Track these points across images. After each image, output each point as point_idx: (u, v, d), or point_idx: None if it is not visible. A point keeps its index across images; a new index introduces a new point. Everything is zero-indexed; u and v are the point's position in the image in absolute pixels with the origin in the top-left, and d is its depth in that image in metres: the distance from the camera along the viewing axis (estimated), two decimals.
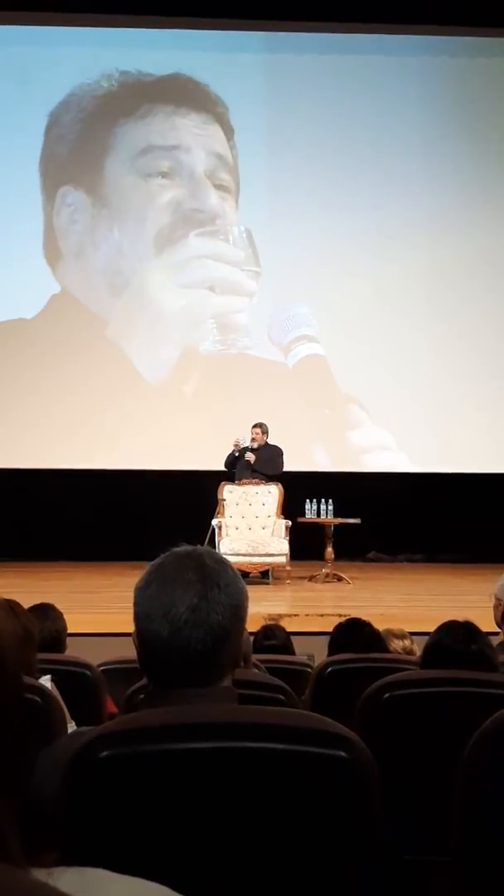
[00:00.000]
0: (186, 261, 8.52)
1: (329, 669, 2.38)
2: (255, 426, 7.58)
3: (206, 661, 1.11)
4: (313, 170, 8.65)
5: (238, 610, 1.14)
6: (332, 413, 8.63)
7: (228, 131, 8.72)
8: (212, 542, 7.13)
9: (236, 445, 7.53)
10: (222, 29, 8.55)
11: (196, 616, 1.10)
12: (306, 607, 5.96)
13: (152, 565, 1.17)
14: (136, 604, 1.14)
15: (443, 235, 8.68)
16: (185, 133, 8.65)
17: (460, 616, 2.09)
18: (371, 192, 8.67)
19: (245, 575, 7.33)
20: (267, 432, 7.61)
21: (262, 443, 7.58)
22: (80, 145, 8.65)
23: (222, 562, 1.17)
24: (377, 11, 8.30)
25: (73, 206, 8.60)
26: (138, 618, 1.13)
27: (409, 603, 6.23)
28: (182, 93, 8.68)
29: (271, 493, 7.45)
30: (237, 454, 7.53)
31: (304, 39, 8.62)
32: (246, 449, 7.52)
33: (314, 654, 3.94)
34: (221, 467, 7.60)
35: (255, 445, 7.54)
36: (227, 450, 7.59)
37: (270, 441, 7.61)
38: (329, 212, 8.65)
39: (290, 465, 7.60)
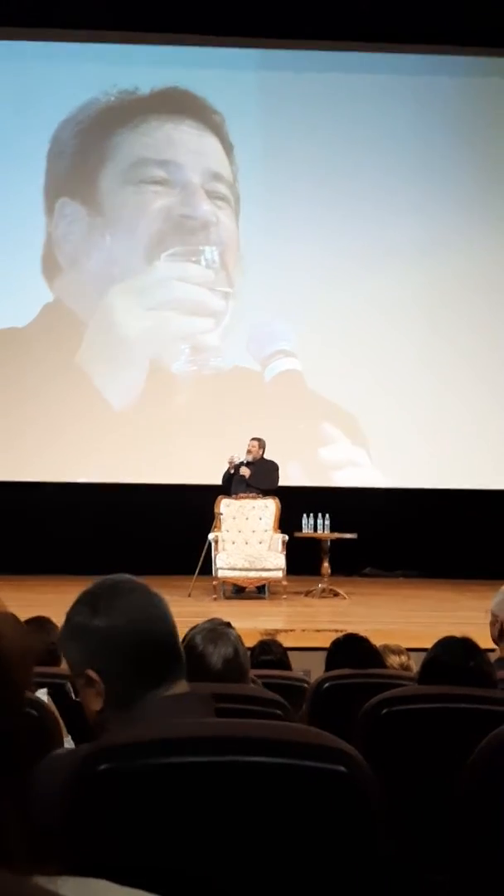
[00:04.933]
0: (151, 284, 8.52)
1: (326, 685, 2.37)
2: (252, 440, 7.58)
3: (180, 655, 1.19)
4: (309, 186, 8.67)
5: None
6: (311, 428, 8.59)
7: (227, 146, 8.76)
8: (208, 557, 7.12)
9: (231, 463, 7.52)
10: (221, 46, 8.62)
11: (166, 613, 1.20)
12: (303, 622, 5.94)
13: (99, 592, 1.23)
14: (111, 618, 1.18)
15: (434, 253, 8.71)
16: (180, 145, 8.69)
17: (457, 632, 2.08)
18: (364, 209, 8.69)
19: (241, 590, 7.33)
20: (264, 446, 7.61)
21: (259, 457, 7.58)
22: (78, 158, 8.69)
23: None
24: (374, 30, 8.37)
25: (69, 216, 8.64)
26: (128, 626, 1.17)
27: (406, 619, 6.22)
28: (179, 105, 8.72)
29: (268, 508, 7.44)
30: (232, 471, 7.52)
31: (301, 57, 8.68)
32: (241, 463, 7.52)
33: (311, 669, 3.93)
34: (218, 481, 7.60)
35: (251, 459, 7.54)
36: (220, 463, 7.59)
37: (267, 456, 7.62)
38: (320, 228, 8.65)
39: (281, 480, 7.62)
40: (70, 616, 1.23)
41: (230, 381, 8.58)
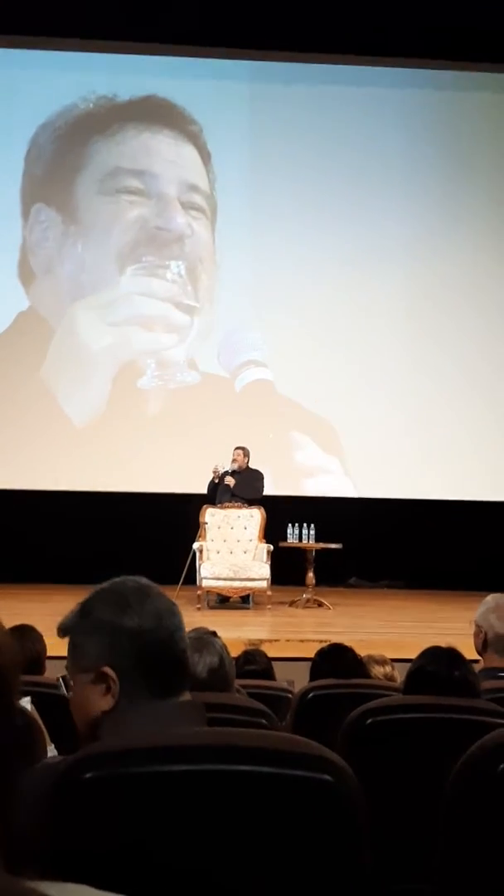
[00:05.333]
0: (115, 299, 8.48)
1: (311, 695, 2.37)
2: (236, 448, 7.58)
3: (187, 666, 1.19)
4: (289, 196, 8.69)
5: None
6: (284, 437, 8.58)
7: (205, 154, 8.74)
8: (192, 566, 7.10)
9: (215, 473, 7.52)
10: (206, 56, 8.64)
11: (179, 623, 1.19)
12: (287, 633, 5.94)
13: (126, 592, 1.20)
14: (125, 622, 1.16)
15: (414, 259, 8.77)
16: (156, 155, 8.66)
17: (442, 642, 2.09)
18: (342, 218, 8.74)
19: (225, 600, 7.31)
20: (248, 455, 7.61)
21: (244, 466, 7.58)
22: (54, 164, 8.66)
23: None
24: (361, 43, 8.43)
25: (45, 223, 8.60)
26: (156, 630, 1.16)
27: (390, 629, 6.22)
28: (157, 114, 8.70)
29: (253, 517, 7.44)
30: (217, 481, 7.52)
31: (288, 69, 8.72)
32: (227, 473, 7.52)
33: (295, 679, 3.92)
34: (203, 490, 7.59)
35: (237, 467, 7.54)
36: (202, 472, 7.58)
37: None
38: (298, 237, 8.67)
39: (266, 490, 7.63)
40: (91, 610, 1.20)
41: (199, 394, 8.53)
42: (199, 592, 7.11)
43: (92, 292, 8.54)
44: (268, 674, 3.58)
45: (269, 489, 7.75)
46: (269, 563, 7.20)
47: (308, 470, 8.63)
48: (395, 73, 8.79)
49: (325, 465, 8.66)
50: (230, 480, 7.49)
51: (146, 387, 8.60)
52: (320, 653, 2.87)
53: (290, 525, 7.47)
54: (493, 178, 8.90)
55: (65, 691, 1.22)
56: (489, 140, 8.93)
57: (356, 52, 8.56)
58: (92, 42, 8.49)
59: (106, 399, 8.52)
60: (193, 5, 8.15)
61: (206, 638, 2.07)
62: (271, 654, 4.07)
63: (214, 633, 2.15)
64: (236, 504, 7.47)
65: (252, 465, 7.63)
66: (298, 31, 8.34)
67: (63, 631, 1.22)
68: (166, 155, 8.68)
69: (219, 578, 7.12)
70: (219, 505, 7.46)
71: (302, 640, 5.42)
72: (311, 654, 2.96)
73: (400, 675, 2.95)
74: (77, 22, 8.21)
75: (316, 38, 8.40)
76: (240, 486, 7.50)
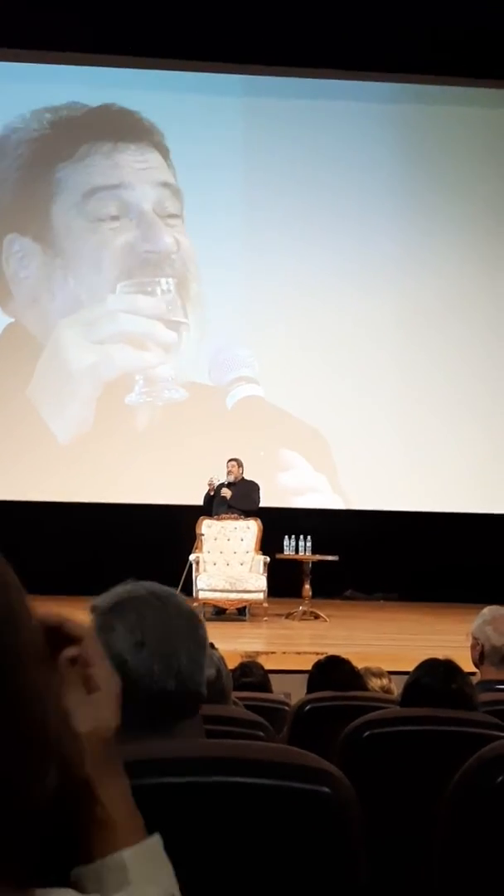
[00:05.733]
0: (99, 318, 8.46)
1: (308, 707, 2.36)
2: (230, 461, 7.58)
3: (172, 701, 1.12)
4: (286, 211, 8.71)
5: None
6: (278, 451, 8.56)
7: (165, 153, 8.68)
8: (189, 578, 7.09)
9: (210, 485, 7.51)
10: (202, 71, 8.67)
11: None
12: (283, 645, 5.92)
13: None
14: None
15: (404, 273, 8.81)
16: (126, 170, 8.61)
17: (438, 655, 2.08)
18: (332, 232, 8.75)
19: (222, 612, 7.30)
20: (243, 466, 7.61)
21: (239, 477, 7.58)
22: (21, 193, 8.56)
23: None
24: (354, 58, 8.48)
25: (20, 252, 8.51)
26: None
27: (386, 642, 6.21)
28: (117, 126, 8.65)
29: (250, 529, 7.43)
30: (212, 493, 7.51)
31: (281, 83, 8.75)
32: (222, 485, 7.52)
33: (291, 692, 3.91)
34: (198, 502, 7.59)
35: (233, 479, 7.54)
36: (197, 483, 7.57)
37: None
38: (287, 252, 8.68)
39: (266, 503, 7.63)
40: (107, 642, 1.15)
41: (187, 410, 8.51)
42: (195, 604, 7.09)
43: (71, 314, 8.49)
44: (264, 686, 3.57)
45: (264, 502, 7.75)
46: (266, 574, 7.19)
47: (299, 485, 8.62)
48: (385, 88, 8.85)
49: (317, 478, 8.65)
50: (226, 492, 7.48)
51: (134, 403, 8.56)
52: (317, 665, 2.87)
53: (286, 537, 7.46)
54: (484, 193, 8.95)
55: None
56: (479, 154, 8.99)
57: (348, 67, 8.62)
58: (64, 55, 8.43)
59: (92, 416, 8.47)
60: (186, 20, 8.19)
61: None
62: (268, 666, 4.06)
63: (211, 645, 2.14)
64: (233, 515, 7.46)
65: (247, 477, 7.63)
66: (291, 46, 8.38)
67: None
68: (136, 169, 8.62)
69: (215, 590, 7.11)
70: (215, 516, 7.45)
71: (298, 653, 5.41)
72: (308, 667, 2.95)
73: (397, 687, 2.95)
74: (58, 34, 8.17)
75: (309, 52, 8.44)
76: (236, 497, 7.50)
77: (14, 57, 8.47)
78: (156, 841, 0.70)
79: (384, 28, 8.22)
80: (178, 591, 1.23)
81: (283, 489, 8.53)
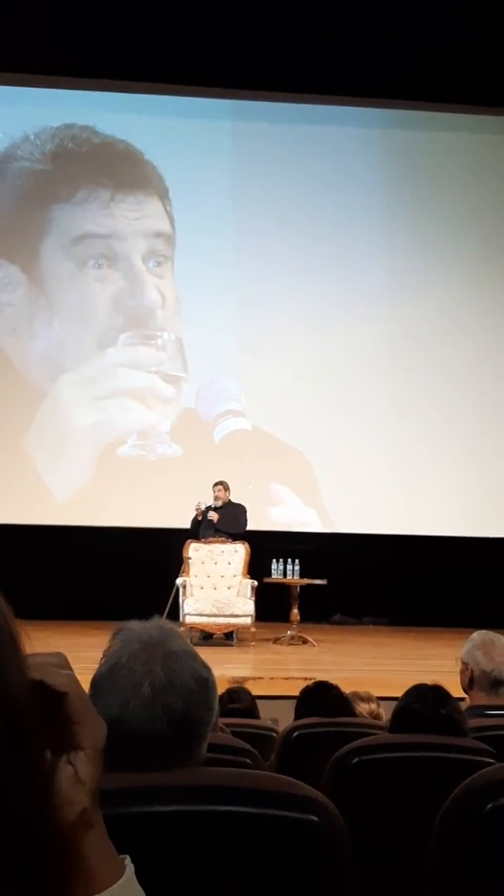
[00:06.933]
0: (98, 373, 8.45)
1: (296, 733, 2.34)
2: (216, 484, 7.56)
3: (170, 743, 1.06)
4: (275, 237, 8.75)
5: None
6: (267, 484, 8.54)
7: (164, 196, 8.71)
8: (175, 602, 7.04)
9: (198, 509, 7.49)
10: (192, 96, 8.74)
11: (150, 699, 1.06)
12: (271, 670, 5.88)
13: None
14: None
15: (394, 302, 8.87)
16: (120, 220, 8.60)
17: (427, 680, 2.07)
18: (329, 260, 8.81)
19: (209, 636, 7.25)
20: (228, 489, 7.59)
21: (226, 501, 7.56)
22: (14, 222, 8.57)
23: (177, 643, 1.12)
24: (343, 84, 8.59)
25: (6, 279, 8.50)
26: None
27: (375, 666, 6.18)
28: (116, 168, 8.65)
29: (237, 553, 7.40)
30: (200, 517, 7.48)
31: (270, 108, 8.82)
32: (209, 508, 7.50)
33: (279, 718, 3.88)
34: (186, 525, 7.56)
35: (219, 503, 7.52)
36: (188, 508, 7.55)
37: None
38: (294, 283, 8.71)
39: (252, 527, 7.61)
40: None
41: (180, 464, 8.48)
42: (182, 629, 7.04)
43: (73, 367, 8.47)
44: (252, 712, 3.54)
45: (253, 526, 7.73)
46: (254, 599, 7.15)
47: (289, 513, 8.60)
48: (374, 113, 8.95)
49: (306, 506, 8.64)
50: (213, 516, 7.46)
51: (125, 455, 8.51)
52: (305, 691, 2.84)
53: (274, 560, 7.43)
54: (473, 219, 9.04)
55: None
56: (468, 179, 9.09)
57: (337, 93, 8.72)
58: (62, 79, 8.50)
59: (90, 471, 8.43)
60: (176, 44, 8.28)
61: None
62: (255, 692, 4.03)
63: None
64: (220, 539, 7.43)
65: (233, 500, 7.61)
66: (280, 71, 8.48)
67: None
68: (130, 219, 8.61)
69: (202, 615, 7.07)
70: (202, 540, 7.42)
71: (286, 678, 5.37)
72: (296, 692, 2.93)
73: (385, 712, 2.93)
74: (51, 59, 8.23)
75: (298, 78, 8.55)
76: (223, 520, 7.47)
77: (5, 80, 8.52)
78: (129, 875, 0.68)
79: (374, 54, 8.33)
80: (164, 617, 1.19)
81: (272, 519, 8.51)
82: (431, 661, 5.87)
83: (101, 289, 8.54)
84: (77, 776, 0.62)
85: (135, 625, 1.13)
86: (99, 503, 8.42)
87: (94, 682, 1.09)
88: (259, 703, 3.73)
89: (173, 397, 8.55)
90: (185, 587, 7.15)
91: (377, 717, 3.07)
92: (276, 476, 8.61)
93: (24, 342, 8.52)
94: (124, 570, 7.89)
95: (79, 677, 0.70)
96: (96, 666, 1.13)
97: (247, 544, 7.41)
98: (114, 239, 8.59)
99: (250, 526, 7.62)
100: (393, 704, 2.03)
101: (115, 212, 8.63)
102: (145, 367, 8.51)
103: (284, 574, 7.39)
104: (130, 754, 1.02)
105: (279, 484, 8.62)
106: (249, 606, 7.11)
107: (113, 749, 1.03)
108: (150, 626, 1.13)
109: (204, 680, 1.10)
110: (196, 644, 7.07)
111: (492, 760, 1.65)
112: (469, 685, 2.62)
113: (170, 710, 1.05)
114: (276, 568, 7.41)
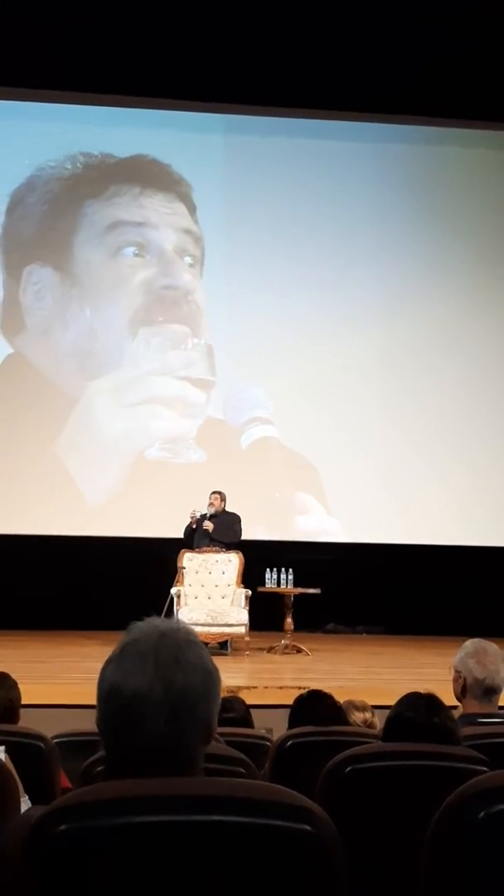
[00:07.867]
0: (130, 380, 8.49)
1: (289, 743, 2.34)
2: (212, 493, 7.56)
3: (171, 743, 1.08)
4: (271, 249, 8.79)
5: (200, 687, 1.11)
6: (288, 489, 8.60)
7: (192, 208, 8.84)
8: (170, 612, 7.03)
9: (192, 517, 7.48)
10: (186, 110, 8.80)
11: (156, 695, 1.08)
12: (265, 679, 5.87)
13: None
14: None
15: (400, 318, 8.90)
16: (151, 211, 8.74)
17: (420, 688, 2.07)
18: (325, 272, 8.84)
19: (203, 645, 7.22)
20: (225, 499, 7.59)
21: (221, 510, 7.55)
22: (46, 225, 8.64)
23: (187, 639, 1.14)
24: (336, 98, 8.64)
25: (39, 283, 8.56)
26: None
27: (369, 675, 6.17)
28: (146, 174, 8.80)
29: (231, 562, 7.39)
30: (194, 526, 7.48)
31: (263, 122, 8.88)
32: (204, 516, 7.49)
33: (273, 727, 3.87)
34: (180, 535, 7.55)
35: (213, 512, 7.52)
36: (184, 517, 7.54)
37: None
38: (289, 294, 8.76)
39: (247, 536, 7.60)
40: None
41: (204, 468, 8.50)
42: None
43: (104, 365, 8.50)
44: (246, 721, 3.53)
45: (261, 536, 7.74)
46: (248, 608, 7.14)
47: (287, 523, 8.63)
48: (368, 127, 8.99)
49: (300, 514, 8.66)
50: (208, 525, 7.45)
51: (152, 458, 8.54)
52: (298, 700, 2.84)
53: (268, 569, 7.43)
54: (468, 232, 9.08)
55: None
56: (461, 193, 9.13)
57: (329, 107, 8.76)
58: (72, 94, 8.58)
59: (121, 477, 8.46)
60: (168, 58, 8.32)
61: None
62: (249, 701, 4.02)
63: None
64: (215, 548, 7.43)
65: (229, 509, 7.61)
66: (273, 85, 8.53)
67: None
68: (161, 213, 8.75)
69: (196, 624, 7.03)
70: (197, 549, 7.41)
71: (280, 687, 5.36)
72: (290, 701, 2.92)
73: (380, 721, 2.93)
74: (58, 77, 8.30)
75: (292, 92, 8.59)
76: (218, 529, 7.47)
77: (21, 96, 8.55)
78: None
79: (366, 68, 8.38)
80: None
81: (286, 519, 8.57)
82: (425, 669, 5.87)
83: (133, 273, 8.62)
84: None
85: (154, 618, 1.17)
86: (100, 485, 8.38)
87: (108, 659, 1.13)
88: (253, 712, 3.72)
89: (203, 403, 8.59)
90: (179, 596, 7.14)
91: (371, 725, 3.06)
92: (274, 484, 8.62)
93: (55, 341, 8.53)
94: (119, 578, 7.88)
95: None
96: (90, 676, 1.15)
97: (241, 553, 7.41)
98: (146, 227, 8.70)
99: (253, 535, 7.65)
100: (386, 713, 2.03)
101: (146, 204, 8.75)
102: (172, 374, 8.56)
103: (278, 583, 7.38)
104: (126, 721, 1.07)
105: (300, 484, 8.66)
106: (244, 615, 7.10)
107: (111, 713, 1.07)
108: (168, 620, 1.18)
109: (208, 670, 1.12)
110: None
111: (484, 768, 1.65)
112: (462, 693, 2.63)
113: (169, 682, 1.08)
114: (270, 577, 7.41)
